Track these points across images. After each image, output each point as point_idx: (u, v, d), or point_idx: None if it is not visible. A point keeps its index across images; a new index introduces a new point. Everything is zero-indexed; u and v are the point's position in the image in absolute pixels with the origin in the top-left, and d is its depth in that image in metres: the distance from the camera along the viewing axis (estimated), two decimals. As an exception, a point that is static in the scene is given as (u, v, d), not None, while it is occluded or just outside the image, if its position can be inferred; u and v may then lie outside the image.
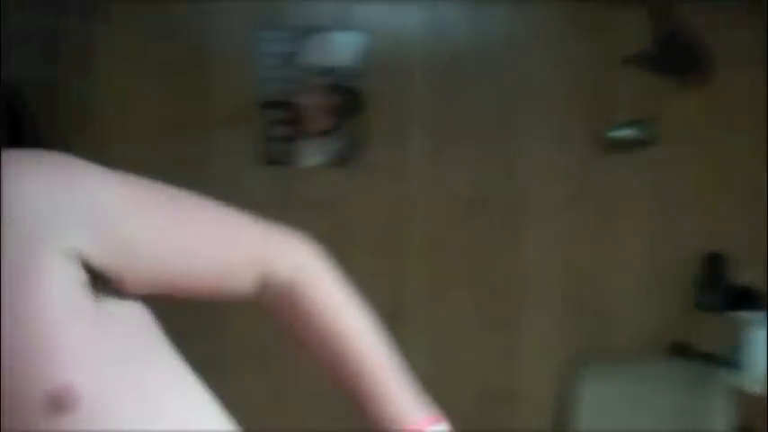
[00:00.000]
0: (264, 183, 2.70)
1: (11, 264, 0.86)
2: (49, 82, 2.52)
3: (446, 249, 2.76)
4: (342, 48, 2.71)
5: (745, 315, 2.55)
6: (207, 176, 2.63)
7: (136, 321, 0.96)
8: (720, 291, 2.69)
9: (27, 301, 0.85)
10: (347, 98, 2.72)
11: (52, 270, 0.86)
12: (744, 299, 2.64)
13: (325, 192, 2.72)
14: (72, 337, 0.86)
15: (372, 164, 2.72)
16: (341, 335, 1.04)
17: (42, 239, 0.87)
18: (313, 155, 2.73)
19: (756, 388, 2.49)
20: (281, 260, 1.04)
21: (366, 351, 1.05)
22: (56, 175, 0.91)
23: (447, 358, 2.75)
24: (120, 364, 0.89)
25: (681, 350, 2.71)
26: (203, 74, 2.69)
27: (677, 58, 2.72)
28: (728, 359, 2.56)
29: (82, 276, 0.88)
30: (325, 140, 2.73)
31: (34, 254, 0.86)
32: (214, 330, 2.65)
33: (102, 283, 0.90)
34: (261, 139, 2.70)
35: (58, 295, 0.86)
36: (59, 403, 0.83)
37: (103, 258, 0.90)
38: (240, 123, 2.69)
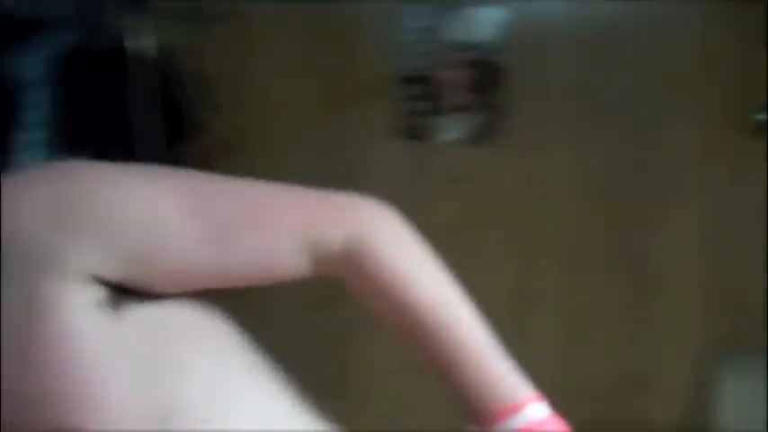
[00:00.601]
0: (401, 157, 2.70)
1: (23, 296, 0.80)
2: (195, 55, 2.58)
3: (582, 231, 2.71)
4: (484, 23, 2.68)
5: None
6: (344, 149, 2.66)
7: (173, 322, 0.88)
8: None
9: (38, 338, 0.80)
10: (487, 74, 2.69)
11: (64, 298, 0.80)
12: None
13: (461, 168, 2.71)
14: (90, 370, 0.81)
15: (510, 142, 2.69)
16: (415, 307, 0.94)
17: (47, 267, 0.81)
18: (451, 131, 2.72)
19: None
20: (335, 232, 0.93)
21: (448, 324, 0.94)
22: (56, 194, 0.84)
23: (580, 343, 2.71)
24: (151, 378, 0.83)
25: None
26: (345, 46, 2.71)
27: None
28: None
29: (99, 294, 0.82)
30: (464, 116, 2.71)
31: (42, 284, 0.80)
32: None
33: (125, 291, 0.84)
34: (398, 114, 2.70)
35: (70, 327, 0.80)
36: None
37: (119, 272, 0.83)
38: (378, 97, 2.70)
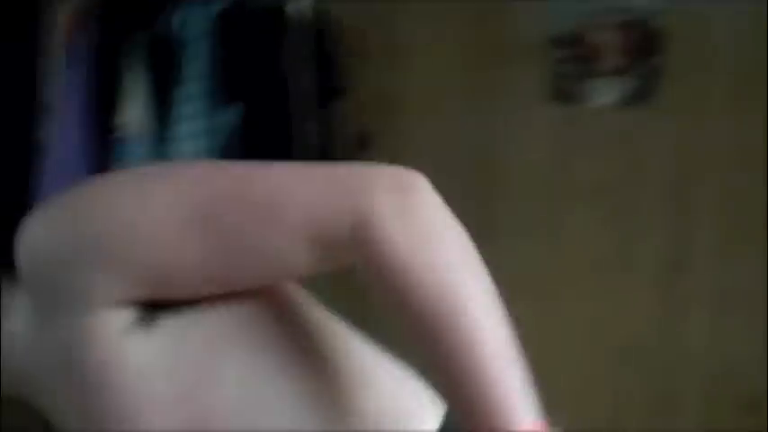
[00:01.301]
0: (551, 121, 2.67)
1: (61, 336, 0.83)
2: (348, 16, 2.61)
3: (738, 202, 2.62)
4: (642, -16, 2.60)
5: None
6: (492, 111, 2.65)
7: (204, 330, 0.85)
8: None
9: (82, 374, 0.82)
10: (644, 37, 2.62)
11: (98, 330, 0.81)
12: None
13: (613, 133, 2.65)
14: (135, 393, 0.83)
15: (665, 107, 2.61)
16: (422, 309, 0.79)
17: (76, 304, 0.82)
18: (603, 94, 2.66)
19: None
20: (340, 222, 0.81)
21: (462, 332, 0.78)
22: (61, 227, 0.83)
23: (730, 315, 2.63)
24: (186, 389, 0.83)
25: None
26: (496, 6, 2.68)
27: None
28: None
29: (130, 315, 0.83)
30: (618, 80, 2.65)
31: (76, 321, 0.82)
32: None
33: (157, 305, 0.84)
34: (549, 76, 2.67)
35: (110, 357, 0.82)
36: None
37: (141, 291, 0.82)
38: (529, 58, 2.67)
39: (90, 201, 0.84)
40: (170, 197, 0.83)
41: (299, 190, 0.83)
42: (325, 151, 2.39)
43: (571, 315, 2.62)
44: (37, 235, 0.83)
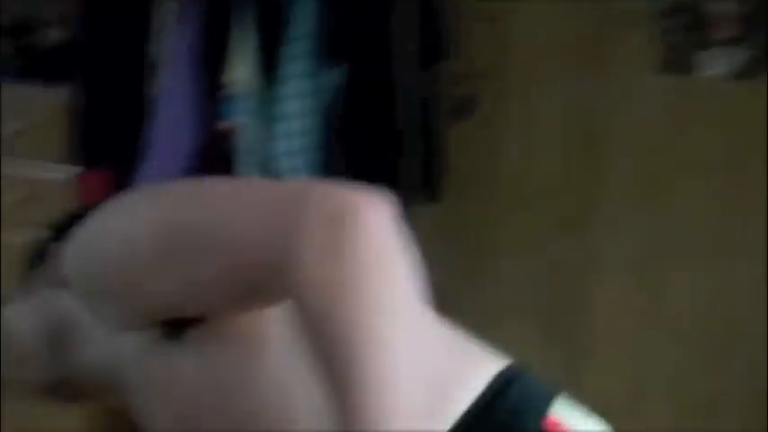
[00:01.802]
0: (661, 91, 2.60)
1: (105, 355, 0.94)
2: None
3: None
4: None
5: None
6: (602, 80, 2.60)
7: (227, 338, 0.87)
8: None
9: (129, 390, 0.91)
10: (758, 6, 2.54)
11: (129, 349, 0.88)
12: None
13: (723, 105, 2.58)
14: (179, 404, 0.87)
15: (780, 79, 2.52)
16: (330, 361, 0.75)
17: (107, 328, 0.90)
18: (715, 65, 2.59)
19: None
20: (270, 258, 0.79)
21: (356, 395, 0.72)
22: (73, 259, 0.91)
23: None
24: (221, 395, 0.86)
25: None
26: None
27: None
28: None
29: (148, 335, 0.88)
30: (731, 51, 2.57)
31: (113, 342, 0.91)
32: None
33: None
34: (660, 46, 2.60)
35: (148, 372, 0.89)
36: None
37: (141, 318, 0.86)
38: (640, 28, 2.61)
39: (92, 236, 0.89)
40: (147, 221, 0.86)
41: (236, 226, 0.81)
42: (426, 114, 2.38)
43: (675, 290, 2.56)
44: (66, 262, 0.92)
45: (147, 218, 0.86)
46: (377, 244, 0.77)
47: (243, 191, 0.86)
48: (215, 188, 0.88)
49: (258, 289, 0.81)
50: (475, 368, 0.94)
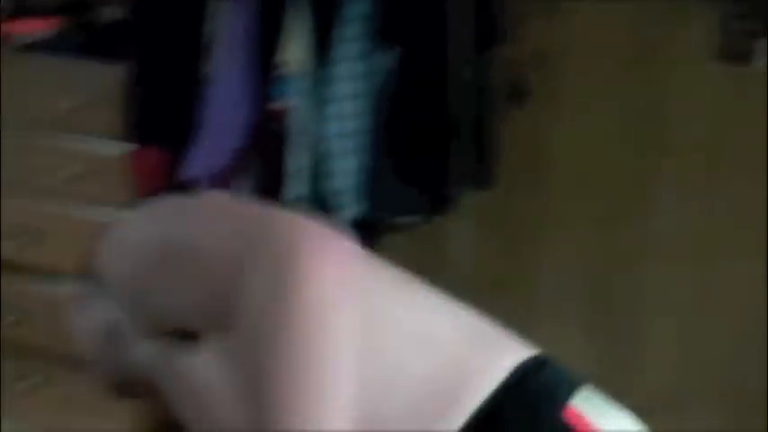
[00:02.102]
0: (717, 80, 2.56)
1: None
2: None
3: None
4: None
5: None
6: (658, 68, 2.57)
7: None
8: None
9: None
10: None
11: (144, 356, 0.97)
12: None
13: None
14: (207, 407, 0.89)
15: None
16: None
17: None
18: (775, 55, 2.54)
19: None
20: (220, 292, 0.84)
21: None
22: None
23: None
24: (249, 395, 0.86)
25: None
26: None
27: None
28: None
29: (162, 342, 0.93)
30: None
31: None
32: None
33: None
34: (719, 34, 2.56)
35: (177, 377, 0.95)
36: None
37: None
38: (697, 14, 2.56)
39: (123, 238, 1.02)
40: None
41: (205, 246, 0.87)
42: (480, 100, 2.37)
43: (726, 283, 2.54)
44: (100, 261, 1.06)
45: (150, 228, 0.95)
46: (317, 292, 0.78)
47: (224, 210, 0.91)
48: (203, 206, 0.94)
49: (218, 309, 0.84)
50: (498, 357, 0.94)
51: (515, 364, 0.92)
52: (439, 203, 2.36)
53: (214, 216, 0.90)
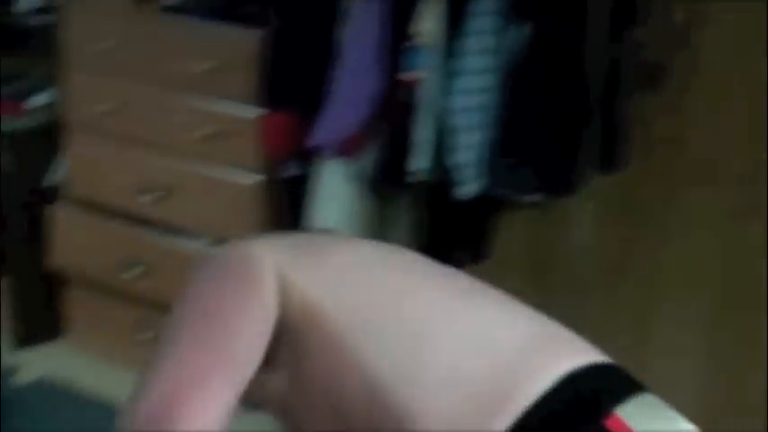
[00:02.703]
0: None
1: None
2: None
3: None
4: None
5: None
6: None
7: None
8: None
9: None
10: None
11: None
12: None
13: None
14: None
15: None
16: None
17: None
18: None
19: None
20: None
21: None
22: None
23: None
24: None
25: None
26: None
27: None
28: None
29: None
30: None
31: None
32: None
33: None
34: None
35: None
36: None
37: None
38: None
39: None
40: None
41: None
42: (612, 82, 2.33)
43: None
44: None
45: None
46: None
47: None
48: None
49: None
50: (554, 362, 0.90)
51: (570, 370, 0.88)
52: (563, 184, 2.34)
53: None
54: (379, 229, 2.60)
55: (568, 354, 0.87)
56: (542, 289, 2.68)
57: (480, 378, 0.79)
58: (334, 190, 2.53)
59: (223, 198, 2.73)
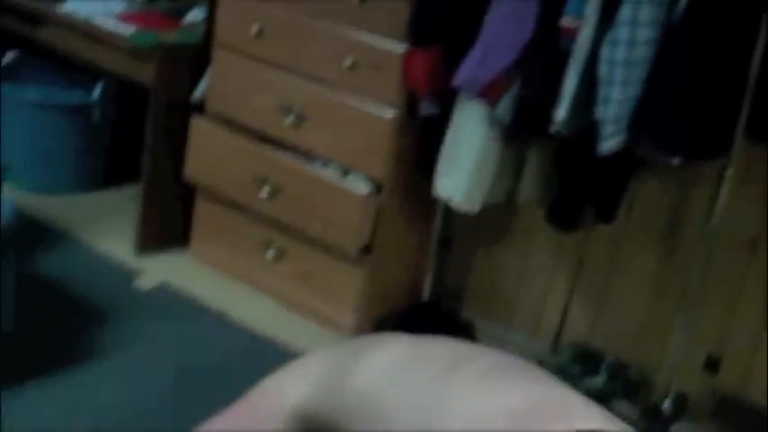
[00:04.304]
0: None
1: None
2: None
3: None
4: None
5: None
6: None
7: None
8: None
9: None
10: None
11: None
12: None
13: None
14: None
15: None
16: None
17: None
18: None
19: None
20: None
21: None
22: None
23: None
24: None
25: None
26: None
27: None
28: None
29: None
30: None
31: None
32: None
33: None
34: None
35: None
36: None
37: None
38: None
39: None
40: None
41: None
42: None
43: None
44: None
45: None
46: None
47: None
48: None
49: None
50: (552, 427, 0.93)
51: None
52: (707, 149, 2.30)
53: None
54: (509, 175, 2.61)
55: (565, 420, 0.90)
56: (672, 257, 2.65)
57: None
58: (471, 132, 2.54)
59: (358, 128, 2.77)
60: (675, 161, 2.32)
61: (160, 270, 3.11)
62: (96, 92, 3.40)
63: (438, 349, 1.00)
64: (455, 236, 3.00)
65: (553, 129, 2.33)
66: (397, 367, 0.91)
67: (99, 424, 2.31)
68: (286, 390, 0.96)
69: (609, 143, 2.25)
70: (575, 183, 2.51)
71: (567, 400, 0.93)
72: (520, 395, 0.91)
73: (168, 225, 3.24)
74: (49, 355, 2.53)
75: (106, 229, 3.30)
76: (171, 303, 2.95)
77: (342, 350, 1.02)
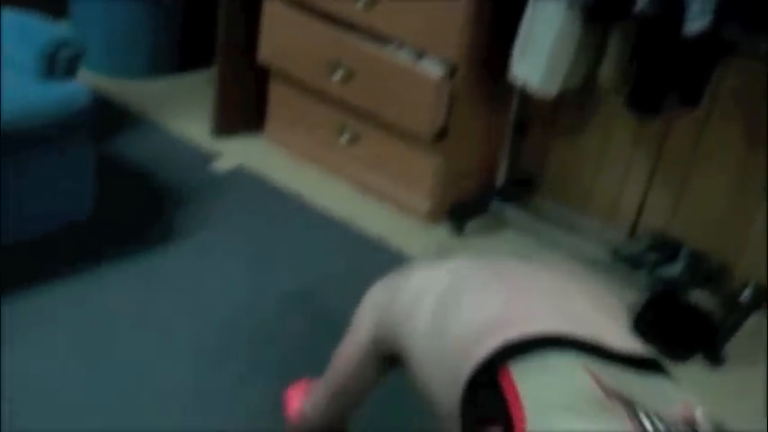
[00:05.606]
0: None
1: None
2: None
3: None
4: None
5: None
6: None
7: None
8: None
9: None
10: None
11: None
12: None
13: None
14: None
15: None
16: None
17: None
18: None
19: None
20: None
21: None
22: None
23: None
24: None
25: None
26: None
27: None
28: None
29: None
30: None
31: None
32: None
33: None
34: None
35: None
36: None
37: None
38: None
39: None
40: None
41: None
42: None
43: None
44: None
45: None
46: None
47: None
48: None
49: None
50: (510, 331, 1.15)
51: (517, 337, 1.08)
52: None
53: None
54: (589, 60, 2.53)
55: (526, 325, 1.03)
56: (755, 148, 2.57)
57: (474, 334, 1.09)
58: (549, 13, 2.46)
59: (432, 10, 2.69)
60: (765, 46, 2.21)
61: (236, 153, 3.13)
62: (170, -27, 3.37)
63: (500, 266, 1.29)
64: (531, 121, 2.94)
65: (637, 8, 2.23)
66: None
67: (177, 304, 2.37)
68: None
69: (696, 24, 2.15)
70: (658, 67, 2.42)
71: (535, 309, 1.11)
72: (502, 307, 1.13)
73: (243, 108, 3.24)
74: (127, 237, 2.59)
75: (182, 113, 3.32)
76: (247, 186, 2.98)
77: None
